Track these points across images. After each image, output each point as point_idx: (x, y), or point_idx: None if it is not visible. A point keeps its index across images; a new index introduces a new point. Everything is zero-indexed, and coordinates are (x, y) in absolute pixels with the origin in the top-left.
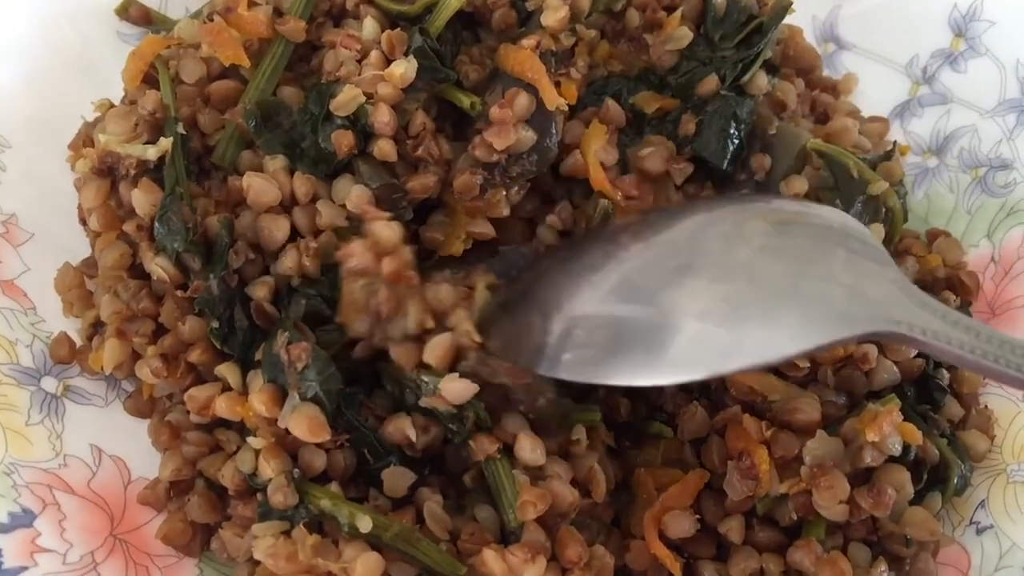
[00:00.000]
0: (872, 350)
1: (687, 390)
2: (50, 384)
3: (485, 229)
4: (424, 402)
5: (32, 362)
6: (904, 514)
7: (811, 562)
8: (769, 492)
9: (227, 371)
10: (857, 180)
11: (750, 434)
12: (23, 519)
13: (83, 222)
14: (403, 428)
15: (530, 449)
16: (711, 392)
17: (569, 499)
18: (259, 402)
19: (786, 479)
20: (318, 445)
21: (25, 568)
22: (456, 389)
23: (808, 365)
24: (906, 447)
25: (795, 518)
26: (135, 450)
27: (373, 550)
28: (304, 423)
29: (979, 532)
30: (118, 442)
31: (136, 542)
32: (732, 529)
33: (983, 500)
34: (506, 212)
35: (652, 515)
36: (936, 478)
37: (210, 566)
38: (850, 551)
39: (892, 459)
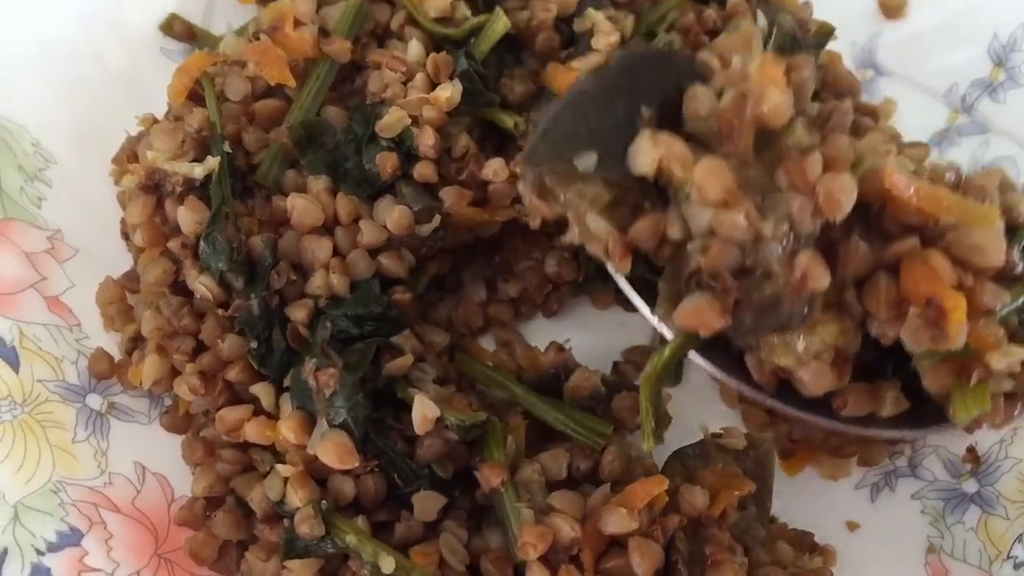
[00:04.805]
0: None
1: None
2: (95, 401)
3: None
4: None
5: (77, 379)
6: None
7: None
8: (952, 348)
9: (262, 391)
10: None
11: (940, 277)
12: (71, 538)
13: (125, 236)
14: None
15: (529, 471)
16: (870, 217)
17: (571, 535)
18: (287, 429)
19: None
20: (347, 472)
21: None
22: (420, 418)
23: None
24: None
25: None
26: (178, 467)
27: None
28: (333, 450)
29: (1016, 567)
30: (161, 459)
31: (181, 561)
32: None
33: (1021, 534)
34: None
35: None
36: None
37: None
38: None
39: None
